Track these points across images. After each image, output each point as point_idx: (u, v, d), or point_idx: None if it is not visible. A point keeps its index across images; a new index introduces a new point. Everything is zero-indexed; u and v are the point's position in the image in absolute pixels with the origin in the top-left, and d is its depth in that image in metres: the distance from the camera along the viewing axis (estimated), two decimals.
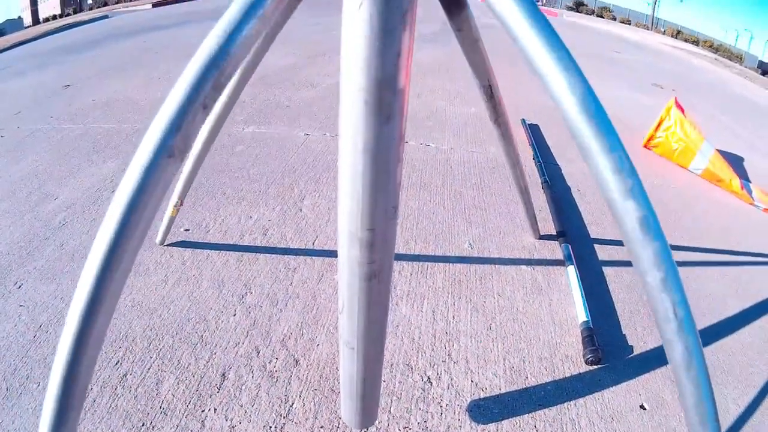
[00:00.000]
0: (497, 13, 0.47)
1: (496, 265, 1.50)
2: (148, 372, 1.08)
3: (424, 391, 1.08)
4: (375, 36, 0.43)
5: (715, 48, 16.24)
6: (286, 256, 1.46)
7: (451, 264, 1.48)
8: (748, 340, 1.40)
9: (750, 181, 2.87)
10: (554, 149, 2.59)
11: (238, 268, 1.41)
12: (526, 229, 1.68)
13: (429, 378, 1.12)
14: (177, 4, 14.44)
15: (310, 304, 1.29)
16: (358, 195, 0.51)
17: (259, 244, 1.52)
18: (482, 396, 1.09)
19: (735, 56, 16.97)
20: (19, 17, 29.56)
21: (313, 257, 1.46)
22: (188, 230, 1.58)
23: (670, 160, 2.84)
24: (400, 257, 1.49)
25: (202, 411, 0.99)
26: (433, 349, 1.19)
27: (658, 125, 2.87)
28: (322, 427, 0.99)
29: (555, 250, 1.62)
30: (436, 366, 1.15)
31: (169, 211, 1.38)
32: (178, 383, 1.05)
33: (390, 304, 1.28)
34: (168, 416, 0.98)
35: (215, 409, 1.00)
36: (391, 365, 1.14)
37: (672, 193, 2.36)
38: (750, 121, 5.34)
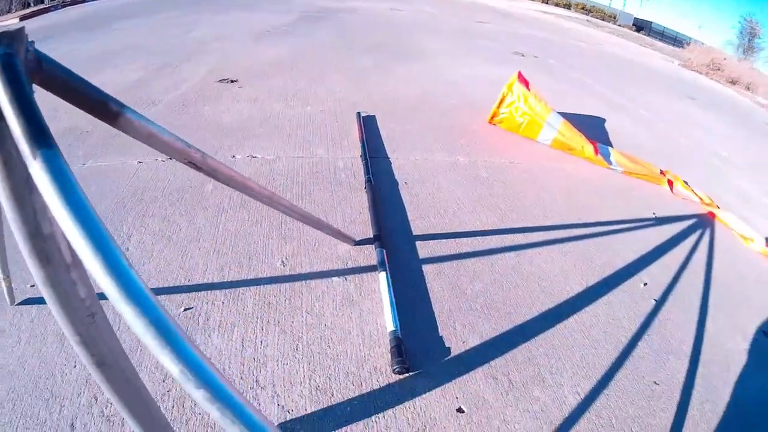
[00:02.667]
0: None
1: (307, 281, 1.48)
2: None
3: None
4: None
5: (588, 9, 17.28)
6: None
7: (262, 286, 1.44)
8: (590, 321, 1.49)
9: (611, 146, 3.02)
10: (387, 141, 2.57)
11: None
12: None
13: None
14: None
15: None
16: None
17: None
18: (288, 419, 1.08)
19: (608, 16, 18.14)
20: None
21: None
22: (34, 286, 1.38)
23: (516, 133, 2.94)
24: (214, 286, 1.42)
25: None
26: (241, 378, 1.16)
27: (501, 101, 2.93)
28: None
29: (372, 255, 1.62)
30: (243, 394, 1.11)
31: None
32: None
33: (204, 337, 1.22)
34: None
35: None
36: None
37: (517, 172, 2.45)
38: (618, 81, 5.64)
